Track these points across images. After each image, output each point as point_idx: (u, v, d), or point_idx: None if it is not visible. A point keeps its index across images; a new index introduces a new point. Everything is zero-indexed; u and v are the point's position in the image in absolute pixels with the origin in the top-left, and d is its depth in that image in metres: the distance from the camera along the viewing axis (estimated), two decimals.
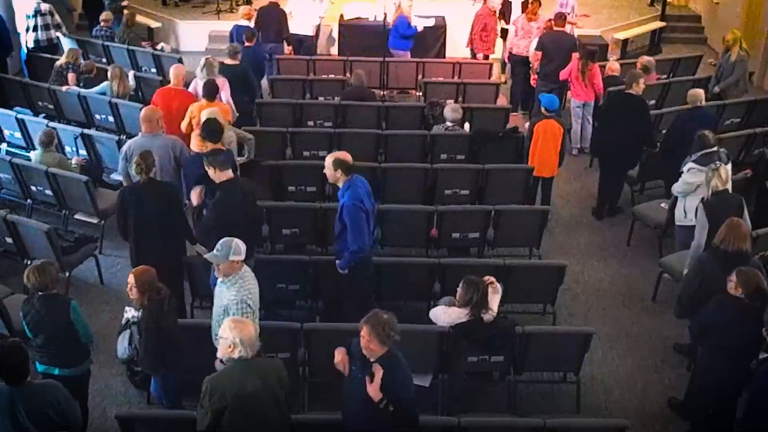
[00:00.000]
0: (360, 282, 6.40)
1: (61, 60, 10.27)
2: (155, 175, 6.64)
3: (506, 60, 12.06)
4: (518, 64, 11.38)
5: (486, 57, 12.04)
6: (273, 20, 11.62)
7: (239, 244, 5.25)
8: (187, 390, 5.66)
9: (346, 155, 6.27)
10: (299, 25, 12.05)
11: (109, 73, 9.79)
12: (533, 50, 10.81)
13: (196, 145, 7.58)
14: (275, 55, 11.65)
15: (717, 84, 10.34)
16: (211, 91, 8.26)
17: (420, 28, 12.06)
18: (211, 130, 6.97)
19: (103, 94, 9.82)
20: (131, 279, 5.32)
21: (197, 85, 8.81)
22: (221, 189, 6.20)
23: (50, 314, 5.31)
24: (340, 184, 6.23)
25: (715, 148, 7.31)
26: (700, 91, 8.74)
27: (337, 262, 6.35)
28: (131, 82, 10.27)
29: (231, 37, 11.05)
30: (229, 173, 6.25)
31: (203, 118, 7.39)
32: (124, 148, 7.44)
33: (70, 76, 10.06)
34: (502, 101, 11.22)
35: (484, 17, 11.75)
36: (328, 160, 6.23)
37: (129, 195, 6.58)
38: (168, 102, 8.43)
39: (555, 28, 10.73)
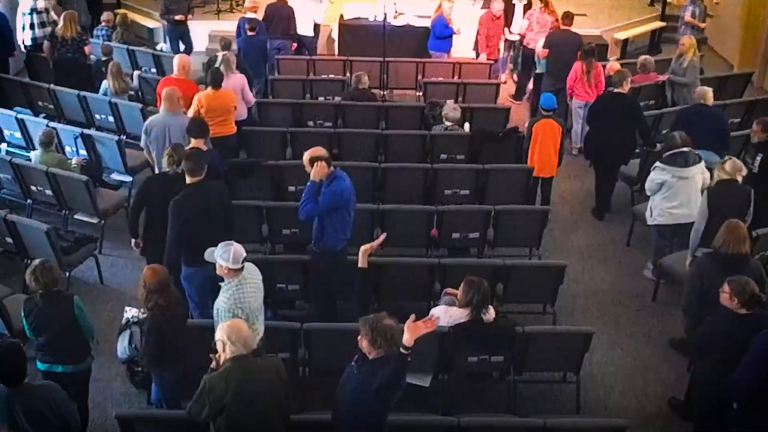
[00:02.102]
0: (327, 277, 6.42)
1: (72, 31, 10.50)
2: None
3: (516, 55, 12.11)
4: (531, 58, 11.30)
5: (495, 61, 12.01)
6: (282, 17, 11.75)
7: (230, 251, 5.21)
8: (188, 391, 5.66)
9: (319, 150, 6.27)
10: (299, 25, 12.06)
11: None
12: (539, 48, 10.85)
13: (192, 144, 7.53)
14: (282, 52, 11.82)
15: (671, 86, 10.37)
16: (216, 80, 8.41)
17: (457, 29, 11.94)
18: (198, 126, 7.09)
19: (105, 93, 9.88)
20: (142, 277, 5.35)
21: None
22: (184, 191, 6.19)
23: (55, 311, 5.32)
24: (325, 179, 6.22)
25: (685, 149, 7.37)
26: (708, 90, 8.77)
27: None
28: (135, 81, 10.34)
29: (238, 30, 11.26)
30: (196, 178, 6.21)
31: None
32: (146, 123, 7.86)
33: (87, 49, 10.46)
34: (503, 100, 11.24)
35: (486, 23, 11.64)
36: (305, 159, 6.21)
37: (155, 184, 6.70)
38: None
39: (562, 27, 10.75)
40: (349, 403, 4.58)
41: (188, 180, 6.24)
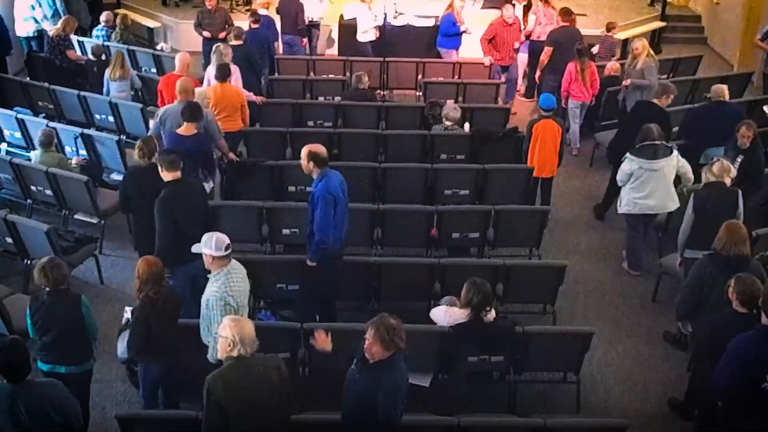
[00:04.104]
0: (317, 278, 6.41)
1: (57, 30, 10.68)
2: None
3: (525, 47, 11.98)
4: (541, 51, 11.21)
5: (505, 68, 11.68)
6: (291, 13, 11.90)
7: (213, 238, 5.28)
8: (186, 390, 5.68)
9: (320, 148, 6.32)
10: (362, 36, 12.12)
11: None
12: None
13: (185, 129, 7.56)
14: (294, 48, 12.03)
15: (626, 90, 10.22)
16: (223, 74, 8.66)
17: (464, 27, 11.84)
18: (192, 112, 7.34)
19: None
20: (136, 268, 5.40)
21: (210, 73, 9.14)
22: (165, 188, 6.30)
23: (61, 309, 5.33)
24: (315, 176, 6.27)
25: (657, 142, 7.52)
26: (723, 87, 8.82)
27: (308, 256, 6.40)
28: (136, 81, 10.41)
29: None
30: (176, 174, 6.33)
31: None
32: (159, 112, 8.11)
33: (70, 53, 10.54)
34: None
35: (495, 28, 11.36)
36: (303, 152, 6.27)
37: (131, 177, 6.91)
38: (171, 87, 8.62)
39: (562, 23, 10.86)
40: (357, 411, 4.56)
41: (168, 177, 6.33)
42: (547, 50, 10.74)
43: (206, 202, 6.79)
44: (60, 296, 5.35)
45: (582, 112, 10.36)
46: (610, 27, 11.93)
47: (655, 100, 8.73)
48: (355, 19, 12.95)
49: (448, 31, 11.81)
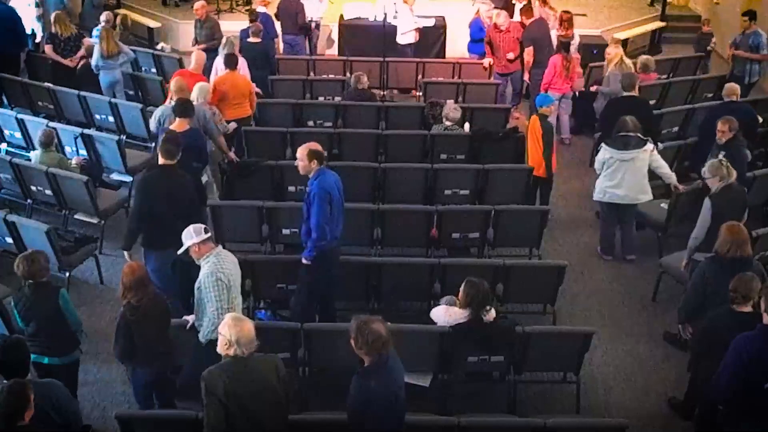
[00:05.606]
0: (314, 277, 6.41)
1: (70, 29, 10.72)
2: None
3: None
4: None
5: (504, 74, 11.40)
6: (292, 12, 11.94)
7: (188, 231, 5.42)
8: (182, 390, 5.69)
9: (319, 146, 6.34)
10: (402, 38, 12.04)
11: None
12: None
13: (177, 125, 7.59)
14: (295, 47, 12.10)
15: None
16: (231, 62, 9.02)
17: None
18: (184, 108, 7.41)
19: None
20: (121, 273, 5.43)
21: (218, 63, 9.49)
22: (148, 170, 6.56)
23: (40, 301, 5.42)
24: (311, 175, 6.28)
25: (630, 133, 7.71)
26: (735, 86, 8.87)
27: (303, 254, 6.40)
28: (129, 53, 10.48)
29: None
30: (168, 162, 6.49)
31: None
32: (157, 112, 8.30)
33: (80, 53, 10.52)
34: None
35: (489, 32, 11.30)
36: (302, 151, 6.27)
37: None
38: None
39: (527, 21, 11.08)
40: (355, 415, 4.57)
41: (161, 161, 6.49)
42: (528, 50, 10.84)
43: (191, 195, 6.70)
44: (39, 288, 5.45)
45: (566, 102, 10.47)
46: (704, 22, 12.78)
47: (629, 93, 8.81)
48: (356, 18, 13.01)
49: (477, 36, 11.84)
